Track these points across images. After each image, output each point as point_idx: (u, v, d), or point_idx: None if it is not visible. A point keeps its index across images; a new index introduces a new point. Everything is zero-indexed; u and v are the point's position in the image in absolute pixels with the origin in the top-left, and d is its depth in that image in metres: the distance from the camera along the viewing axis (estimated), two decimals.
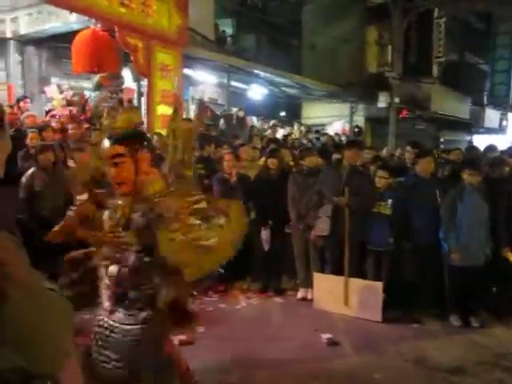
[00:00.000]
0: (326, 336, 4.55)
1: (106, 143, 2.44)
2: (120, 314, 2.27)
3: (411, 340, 4.60)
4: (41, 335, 0.94)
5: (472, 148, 8.01)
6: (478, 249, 4.89)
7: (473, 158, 6.14)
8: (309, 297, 5.64)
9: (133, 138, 2.54)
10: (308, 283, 5.67)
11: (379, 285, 5.13)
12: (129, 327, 2.23)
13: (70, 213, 2.64)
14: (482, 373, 3.96)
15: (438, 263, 5.11)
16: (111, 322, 2.27)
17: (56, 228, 2.63)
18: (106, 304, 2.31)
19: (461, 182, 5.04)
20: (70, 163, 6.04)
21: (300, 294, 5.74)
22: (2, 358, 0.89)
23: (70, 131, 6.93)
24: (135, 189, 2.45)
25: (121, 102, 7.42)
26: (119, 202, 2.46)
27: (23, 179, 5.37)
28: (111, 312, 2.29)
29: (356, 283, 5.24)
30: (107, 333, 2.26)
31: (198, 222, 2.43)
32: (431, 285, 5.19)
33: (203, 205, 2.52)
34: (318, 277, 5.49)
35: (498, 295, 5.57)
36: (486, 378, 3.88)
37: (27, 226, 5.33)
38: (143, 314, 2.24)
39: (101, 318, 2.30)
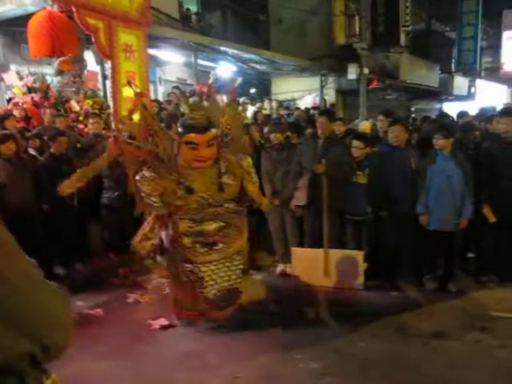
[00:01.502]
0: (307, 309, 4.55)
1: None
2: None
3: (392, 308, 4.63)
4: (45, 317, 0.94)
5: (443, 115, 8.04)
6: (450, 214, 4.91)
7: (441, 124, 6.16)
8: (288, 271, 5.63)
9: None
10: (286, 258, 5.66)
11: (360, 253, 5.16)
12: None
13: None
14: (459, 335, 4.02)
15: (416, 231, 5.13)
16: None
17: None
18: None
19: (433, 148, 5.06)
20: (31, 151, 5.85)
21: (279, 270, 5.73)
22: (10, 346, 0.87)
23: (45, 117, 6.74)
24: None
25: None
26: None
27: None
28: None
29: (336, 254, 5.25)
30: None
31: None
32: (411, 252, 5.22)
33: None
34: (296, 251, 5.47)
35: (474, 260, 5.65)
36: (463, 340, 3.94)
37: None
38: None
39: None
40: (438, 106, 21.16)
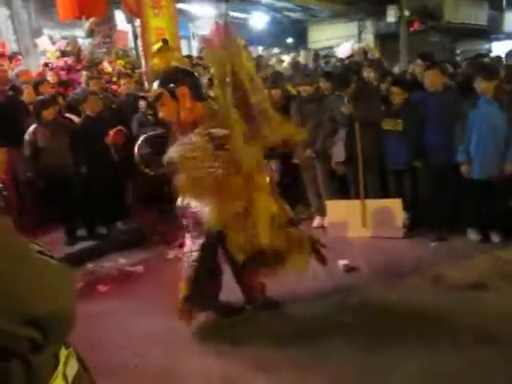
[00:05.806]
0: (343, 262, 4.52)
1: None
2: None
3: (430, 258, 4.55)
4: (43, 302, 0.90)
5: (479, 56, 7.51)
6: (493, 160, 4.66)
7: (484, 65, 5.77)
8: (325, 224, 5.59)
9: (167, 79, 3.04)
10: (322, 211, 5.61)
11: (398, 202, 5.05)
12: None
13: None
14: (502, 288, 3.87)
15: (456, 179, 4.94)
16: None
17: None
18: None
19: (474, 91, 4.76)
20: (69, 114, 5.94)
21: (315, 223, 5.70)
22: (9, 331, 0.85)
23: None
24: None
25: None
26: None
27: (26, 136, 5.32)
28: None
29: (373, 203, 5.17)
30: None
31: None
32: (451, 202, 5.05)
33: None
34: (330, 204, 5.41)
35: None
36: (507, 293, 3.79)
37: (34, 183, 5.35)
38: None
39: None
40: (487, 46, 19.86)
